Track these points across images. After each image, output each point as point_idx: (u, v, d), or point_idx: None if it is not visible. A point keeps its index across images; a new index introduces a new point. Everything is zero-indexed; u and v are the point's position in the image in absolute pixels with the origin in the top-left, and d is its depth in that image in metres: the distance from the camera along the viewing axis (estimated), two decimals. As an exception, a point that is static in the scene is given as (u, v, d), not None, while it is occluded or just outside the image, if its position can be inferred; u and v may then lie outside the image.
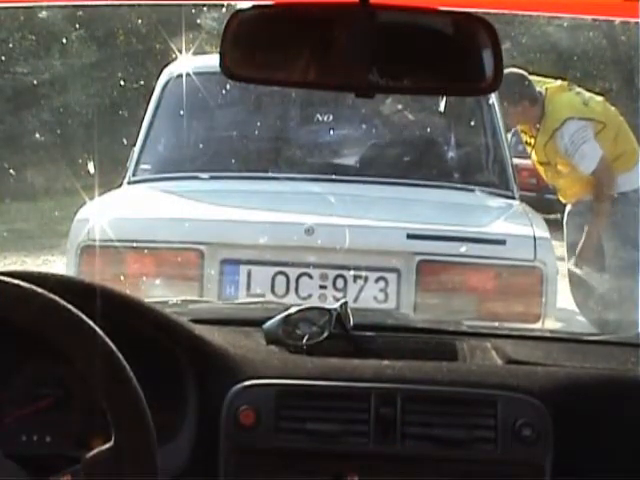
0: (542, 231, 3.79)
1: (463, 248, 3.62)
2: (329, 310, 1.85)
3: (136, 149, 4.31)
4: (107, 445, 1.35)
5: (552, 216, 5.43)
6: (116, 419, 1.34)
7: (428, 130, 4.47)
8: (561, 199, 5.33)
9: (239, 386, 1.63)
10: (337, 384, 1.65)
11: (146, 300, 1.73)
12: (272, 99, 4.38)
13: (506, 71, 4.99)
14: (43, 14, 13.95)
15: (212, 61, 4.10)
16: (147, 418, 1.36)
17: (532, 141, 5.19)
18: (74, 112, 13.48)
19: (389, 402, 1.62)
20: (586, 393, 1.69)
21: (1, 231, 9.35)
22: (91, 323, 1.37)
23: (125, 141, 6.32)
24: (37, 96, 13.66)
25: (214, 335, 1.72)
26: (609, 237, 5.07)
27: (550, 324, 3.66)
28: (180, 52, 4.92)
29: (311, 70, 1.44)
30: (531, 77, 5.20)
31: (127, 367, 1.36)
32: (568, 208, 5.32)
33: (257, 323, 1.89)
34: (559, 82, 5.24)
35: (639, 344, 1.93)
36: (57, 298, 1.37)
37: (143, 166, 4.27)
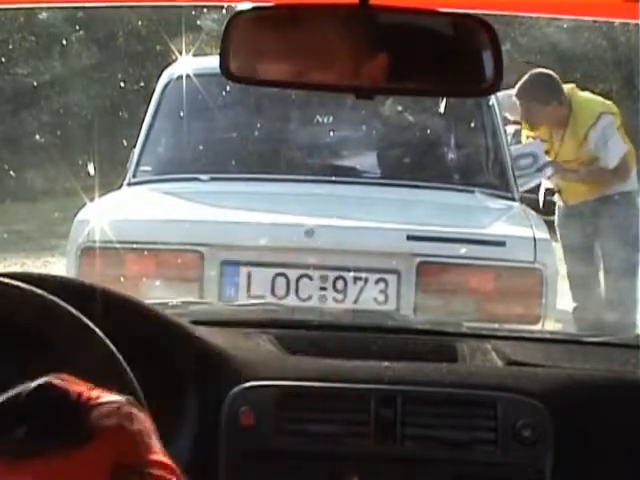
0: (542, 232, 3.79)
1: (463, 249, 3.62)
2: None
3: (136, 150, 4.31)
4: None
5: (552, 218, 5.41)
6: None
7: (428, 131, 4.47)
8: (562, 200, 5.31)
9: (239, 388, 1.63)
10: (337, 385, 1.65)
11: (146, 301, 1.73)
12: (272, 100, 4.38)
13: (536, 71, 5.07)
14: (43, 15, 13.95)
15: (212, 63, 4.10)
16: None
17: (551, 140, 5.14)
18: (74, 113, 13.48)
19: (389, 403, 1.62)
20: (586, 394, 1.69)
21: (1, 232, 9.35)
22: (91, 324, 1.37)
23: (125, 142, 6.32)
24: (37, 97, 13.66)
25: (214, 336, 1.72)
26: (608, 237, 5.08)
27: (550, 325, 3.66)
28: (180, 54, 4.93)
29: (311, 72, 1.44)
30: None
31: (127, 368, 1.36)
32: (561, 210, 5.31)
33: (257, 325, 1.89)
34: (569, 85, 5.27)
35: (639, 346, 1.93)
36: (57, 299, 1.37)
37: (143, 167, 4.27)
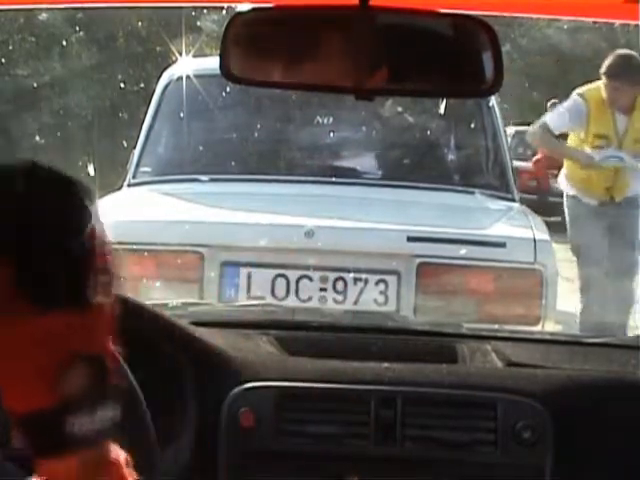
0: (542, 233, 3.79)
1: (463, 250, 3.62)
2: None
3: (136, 151, 4.31)
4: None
5: (552, 218, 5.40)
6: (116, 421, 1.34)
7: (428, 132, 4.47)
8: (605, 197, 5.15)
9: (239, 388, 1.63)
10: (337, 386, 1.65)
11: (146, 302, 1.73)
12: (272, 101, 4.37)
13: (624, 52, 5.02)
14: (43, 16, 13.96)
15: (212, 63, 4.10)
16: (147, 420, 1.36)
17: (614, 130, 5.05)
18: (74, 114, 13.49)
19: (389, 404, 1.62)
20: (586, 395, 1.69)
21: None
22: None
23: (125, 143, 6.33)
24: (37, 98, 13.67)
25: (214, 337, 1.72)
26: (615, 239, 5.06)
27: (550, 326, 3.66)
28: (180, 54, 4.93)
29: (310, 72, 1.44)
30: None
31: (127, 369, 1.36)
32: (577, 209, 5.23)
33: (257, 326, 1.89)
34: None
35: (639, 346, 1.93)
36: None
37: (143, 168, 4.27)
